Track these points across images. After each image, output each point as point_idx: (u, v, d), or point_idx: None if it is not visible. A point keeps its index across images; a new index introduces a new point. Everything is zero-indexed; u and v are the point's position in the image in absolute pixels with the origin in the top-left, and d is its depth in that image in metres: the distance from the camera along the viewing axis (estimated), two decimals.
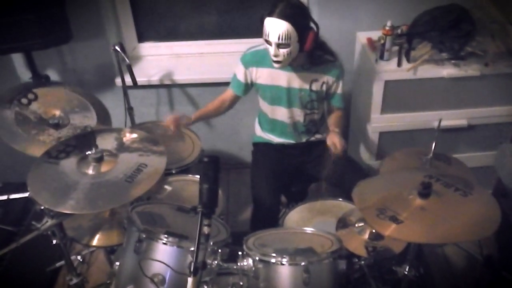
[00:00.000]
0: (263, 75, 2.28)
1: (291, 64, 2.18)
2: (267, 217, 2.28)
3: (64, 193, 1.73)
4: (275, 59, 2.11)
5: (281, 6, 2.02)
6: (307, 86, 2.26)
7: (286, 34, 2.02)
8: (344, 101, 2.39)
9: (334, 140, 2.17)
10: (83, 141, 1.94)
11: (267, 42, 2.09)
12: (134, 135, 2.04)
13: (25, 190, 1.76)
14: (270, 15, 2.04)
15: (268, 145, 2.47)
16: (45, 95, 2.19)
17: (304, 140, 2.44)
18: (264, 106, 2.39)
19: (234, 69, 2.37)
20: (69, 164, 1.85)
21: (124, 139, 2.02)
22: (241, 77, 2.33)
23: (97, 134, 2.02)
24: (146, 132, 2.50)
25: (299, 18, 2.06)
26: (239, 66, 2.32)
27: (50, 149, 1.90)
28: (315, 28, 2.11)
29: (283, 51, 2.07)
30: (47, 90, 2.23)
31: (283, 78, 2.24)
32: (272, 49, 2.08)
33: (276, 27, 2.02)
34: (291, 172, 2.47)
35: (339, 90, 2.32)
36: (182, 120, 2.38)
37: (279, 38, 2.03)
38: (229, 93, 2.41)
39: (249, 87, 2.36)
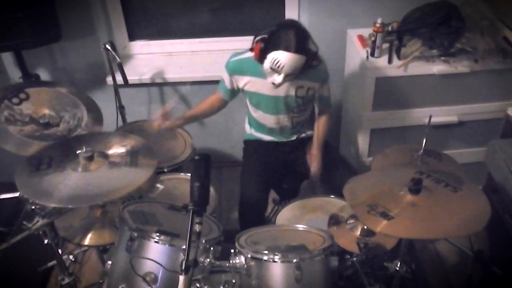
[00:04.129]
0: (248, 83, 2.26)
1: None
2: (254, 212, 2.30)
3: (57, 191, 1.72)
4: (277, 84, 2.08)
5: (296, 39, 1.96)
6: (292, 93, 2.25)
7: (300, 67, 2.01)
8: (331, 102, 2.41)
9: (313, 164, 2.28)
10: (64, 149, 1.91)
11: (275, 71, 2.04)
12: (121, 150, 1.95)
13: (15, 190, 1.74)
14: (283, 48, 1.97)
15: (258, 142, 2.47)
16: (36, 95, 2.17)
17: (294, 138, 2.45)
18: (251, 108, 2.39)
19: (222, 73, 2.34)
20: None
21: (110, 152, 1.95)
22: (227, 84, 2.31)
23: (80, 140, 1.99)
24: (138, 130, 2.51)
25: (309, 48, 2.04)
26: (224, 73, 2.29)
27: (29, 160, 1.85)
28: (314, 49, 2.09)
29: (289, 78, 2.06)
30: (38, 90, 2.21)
31: (268, 86, 2.19)
32: (279, 78, 2.04)
33: (292, 61, 1.98)
34: (282, 169, 2.47)
35: (326, 93, 2.33)
36: (169, 120, 2.31)
37: (293, 71, 2.01)
38: (218, 96, 2.38)
39: (236, 92, 2.35)
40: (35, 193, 1.72)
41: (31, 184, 1.75)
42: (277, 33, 2.00)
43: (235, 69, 2.25)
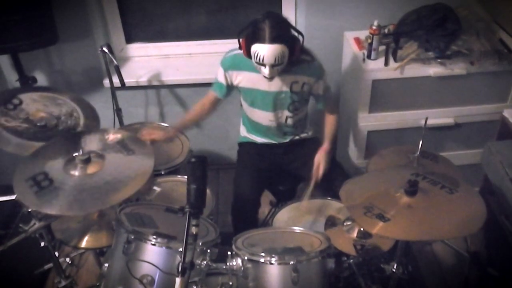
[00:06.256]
0: (243, 79, 2.26)
1: None
2: (247, 214, 2.30)
3: (52, 196, 1.71)
4: (268, 76, 2.08)
5: (269, 30, 1.96)
6: (287, 89, 2.24)
7: (282, 55, 2.00)
8: (330, 102, 2.40)
9: (320, 164, 2.26)
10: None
11: (259, 64, 2.05)
12: (118, 136, 2.01)
13: (11, 193, 1.74)
14: (260, 41, 1.98)
15: (252, 144, 2.47)
16: (30, 100, 2.16)
17: (287, 140, 2.44)
18: (245, 107, 2.38)
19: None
20: (55, 166, 1.83)
21: (109, 140, 1.99)
22: (221, 79, 2.30)
23: (82, 135, 2.01)
24: (135, 133, 2.50)
25: (288, 35, 2.04)
26: (219, 68, 2.29)
27: (27, 183, 1.76)
28: (300, 37, 2.10)
29: (277, 68, 2.06)
30: (32, 95, 2.19)
31: (263, 82, 2.19)
32: (266, 70, 2.05)
33: (270, 52, 1.98)
34: (277, 171, 2.48)
35: (322, 92, 2.31)
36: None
37: (275, 61, 2.01)
38: (210, 95, 2.38)
39: (230, 89, 2.34)
40: (54, 208, 1.69)
41: (44, 202, 1.70)
42: (254, 27, 2.02)
43: (230, 64, 2.25)
